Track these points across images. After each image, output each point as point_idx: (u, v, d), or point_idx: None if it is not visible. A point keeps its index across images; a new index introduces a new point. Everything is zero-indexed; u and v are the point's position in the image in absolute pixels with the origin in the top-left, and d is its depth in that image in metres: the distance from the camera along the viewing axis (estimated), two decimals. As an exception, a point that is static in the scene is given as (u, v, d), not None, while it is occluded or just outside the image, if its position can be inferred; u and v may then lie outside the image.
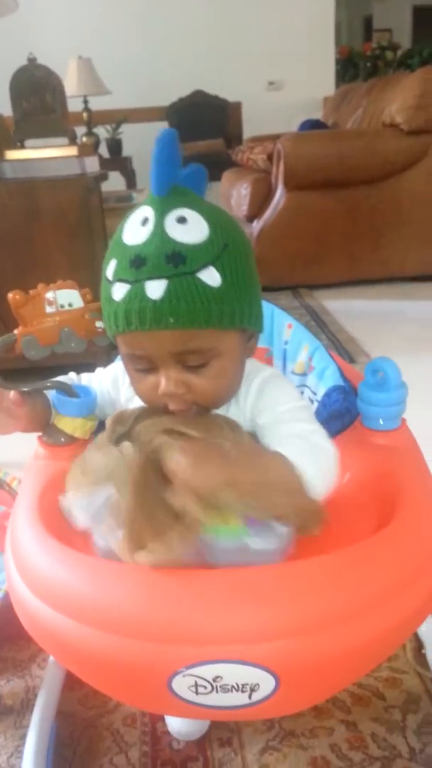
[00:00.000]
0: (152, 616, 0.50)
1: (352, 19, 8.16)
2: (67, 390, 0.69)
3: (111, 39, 4.70)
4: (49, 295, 0.69)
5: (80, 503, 0.57)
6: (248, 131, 4.80)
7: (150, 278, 0.57)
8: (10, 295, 0.68)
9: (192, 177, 0.62)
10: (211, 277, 0.58)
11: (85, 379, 0.77)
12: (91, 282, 0.70)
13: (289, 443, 0.61)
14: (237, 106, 5.04)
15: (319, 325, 2.41)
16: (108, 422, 0.64)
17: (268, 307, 0.94)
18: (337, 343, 2.19)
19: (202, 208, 0.60)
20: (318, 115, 4.38)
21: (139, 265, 0.57)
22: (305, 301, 2.76)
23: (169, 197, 0.59)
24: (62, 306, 0.69)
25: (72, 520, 0.58)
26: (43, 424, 0.72)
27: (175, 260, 0.57)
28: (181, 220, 0.59)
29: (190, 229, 0.58)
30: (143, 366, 0.63)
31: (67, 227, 1.87)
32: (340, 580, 0.52)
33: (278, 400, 0.67)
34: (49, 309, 0.69)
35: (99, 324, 0.68)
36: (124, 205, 3.81)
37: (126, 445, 0.60)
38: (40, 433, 0.74)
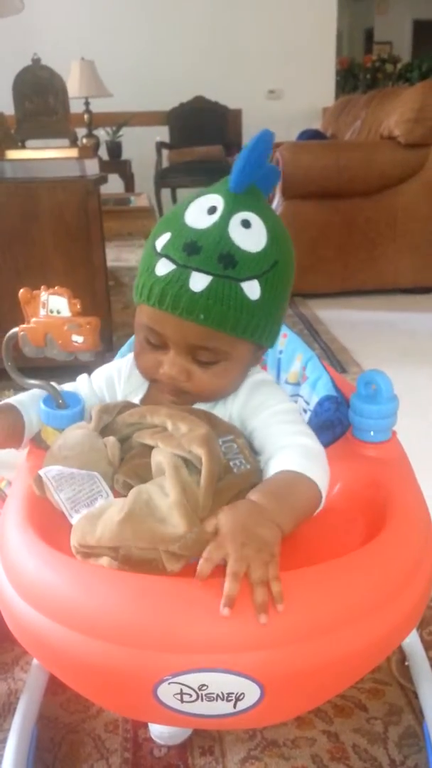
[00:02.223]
0: (139, 624, 0.50)
1: (354, 30, 8.24)
2: (54, 394, 0.70)
3: (114, 42, 4.72)
4: (43, 297, 0.69)
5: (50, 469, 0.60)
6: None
7: (198, 270, 0.58)
8: (21, 291, 0.69)
9: (268, 176, 0.64)
10: (252, 290, 0.60)
11: (82, 381, 0.77)
12: (86, 284, 0.71)
13: (291, 452, 0.62)
14: (237, 114, 5.07)
15: (312, 334, 2.42)
16: (94, 411, 0.66)
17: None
18: (330, 353, 2.20)
19: (267, 218, 0.62)
20: (317, 125, 4.41)
21: (191, 252, 0.59)
22: (299, 309, 2.77)
23: (242, 196, 0.61)
24: (51, 311, 0.69)
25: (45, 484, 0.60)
26: (18, 439, 0.73)
27: (226, 262, 0.58)
28: (246, 224, 0.60)
29: (251, 235, 0.60)
30: (155, 341, 0.65)
31: (65, 229, 1.86)
32: (327, 592, 0.53)
33: (268, 402, 0.68)
34: (42, 312, 0.69)
35: (75, 338, 0.68)
36: (122, 208, 3.80)
37: (111, 441, 0.62)
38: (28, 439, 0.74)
